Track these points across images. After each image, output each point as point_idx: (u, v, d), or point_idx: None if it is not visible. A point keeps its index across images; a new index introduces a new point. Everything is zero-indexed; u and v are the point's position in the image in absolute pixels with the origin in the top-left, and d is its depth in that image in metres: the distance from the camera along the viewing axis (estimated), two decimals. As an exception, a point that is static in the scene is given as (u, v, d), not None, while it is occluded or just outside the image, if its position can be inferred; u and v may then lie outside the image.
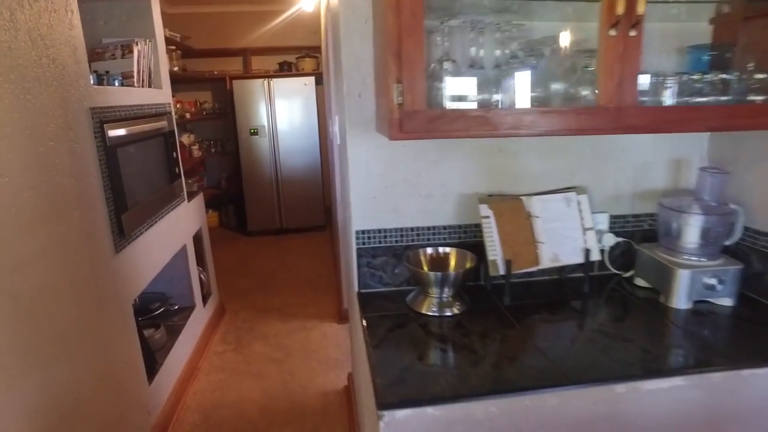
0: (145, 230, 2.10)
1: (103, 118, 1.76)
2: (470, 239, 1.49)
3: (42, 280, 1.35)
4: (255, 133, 4.92)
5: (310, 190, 5.11)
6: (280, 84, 4.82)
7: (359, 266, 1.47)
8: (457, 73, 1.20)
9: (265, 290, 3.75)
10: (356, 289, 1.49)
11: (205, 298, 3.03)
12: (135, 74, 2.16)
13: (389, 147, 1.41)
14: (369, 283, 1.49)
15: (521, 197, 1.43)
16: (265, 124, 4.91)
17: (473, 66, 1.27)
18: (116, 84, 2.03)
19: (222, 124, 5.49)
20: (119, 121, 1.86)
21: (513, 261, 1.38)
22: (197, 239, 2.99)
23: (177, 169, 2.55)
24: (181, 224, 2.62)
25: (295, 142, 4.99)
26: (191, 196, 2.93)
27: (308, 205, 5.15)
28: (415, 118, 1.02)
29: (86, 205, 1.61)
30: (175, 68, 4.16)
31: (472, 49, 1.27)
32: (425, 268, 1.41)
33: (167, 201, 2.39)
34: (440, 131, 1.06)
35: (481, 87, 1.18)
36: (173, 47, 4.11)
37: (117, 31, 2.37)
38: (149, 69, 2.32)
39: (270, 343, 2.96)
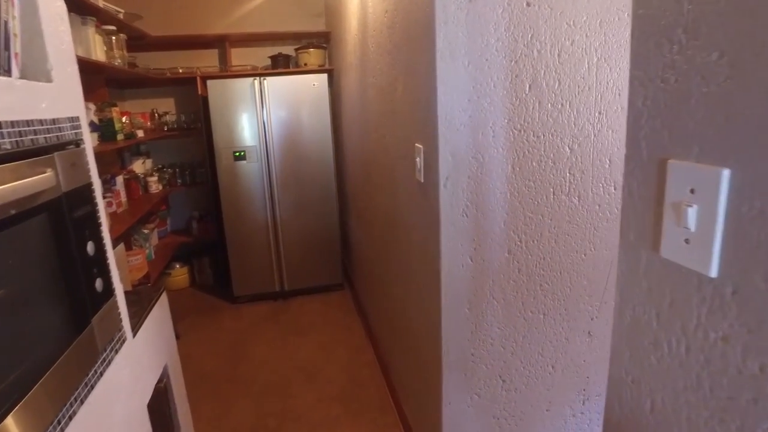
0: None
1: None
2: None
3: None
4: (241, 157, 3.39)
5: (322, 235, 3.61)
6: (276, 85, 3.32)
7: None
8: None
9: (278, 426, 2.23)
10: None
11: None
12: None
13: None
14: None
15: None
16: (256, 143, 3.39)
17: None
18: None
19: (192, 143, 3.93)
20: None
21: None
22: (159, 393, 1.46)
23: (103, 280, 1.03)
24: (120, 396, 1.09)
25: (299, 168, 3.48)
26: (141, 311, 1.41)
27: (320, 257, 3.63)
28: None
29: None
30: (117, 61, 2.62)
31: None
32: None
33: (75, 380, 0.87)
34: None
35: None
36: (112, 28, 2.56)
37: None
38: (2, 28, 0.81)
39: None
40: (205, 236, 3.91)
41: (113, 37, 2.55)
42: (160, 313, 1.52)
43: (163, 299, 1.58)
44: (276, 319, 3.31)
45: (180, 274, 3.94)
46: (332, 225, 3.61)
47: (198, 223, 3.96)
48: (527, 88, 1.38)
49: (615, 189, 1.53)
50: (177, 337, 3.13)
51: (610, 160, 1.50)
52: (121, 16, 2.67)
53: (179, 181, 3.84)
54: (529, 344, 1.63)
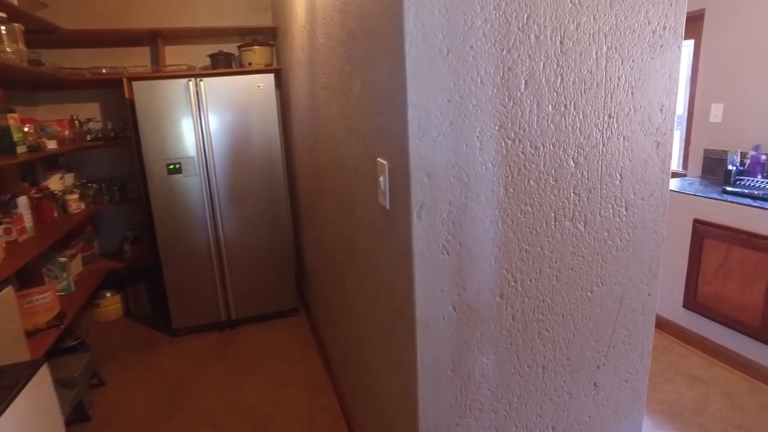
0: None
1: None
2: None
3: None
4: (176, 170, 2.95)
5: (274, 255, 3.20)
6: (215, 87, 2.90)
7: None
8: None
9: (219, 502, 1.83)
10: None
11: None
12: None
13: None
14: None
15: None
16: (194, 154, 2.95)
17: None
18: None
19: (121, 154, 3.44)
20: None
21: None
22: None
23: None
24: None
25: (245, 182, 3.07)
26: None
27: (271, 280, 3.22)
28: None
29: None
30: (10, 57, 2.13)
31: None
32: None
33: None
34: None
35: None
36: (1, 15, 2.08)
37: None
38: None
39: None
40: (140, 259, 3.42)
41: (2, 27, 2.07)
42: (32, 400, 1.10)
43: (42, 376, 1.16)
44: (221, 354, 2.88)
45: (111, 304, 3.43)
46: (285, 243, 3.21)
47: (132, 245, 3.47)
48: (523, 85, 1.05)
49: (626, 210, 1.23)
50: (103, 384, 2.67)
51: (621, 175, 1.20)
52: (15, 1, 2.20)
53: (107, 197, 3.34)
54: (525, 405, 1.31)
